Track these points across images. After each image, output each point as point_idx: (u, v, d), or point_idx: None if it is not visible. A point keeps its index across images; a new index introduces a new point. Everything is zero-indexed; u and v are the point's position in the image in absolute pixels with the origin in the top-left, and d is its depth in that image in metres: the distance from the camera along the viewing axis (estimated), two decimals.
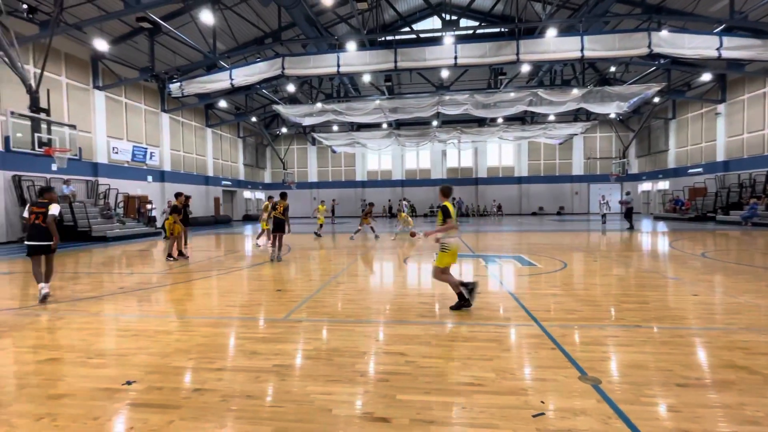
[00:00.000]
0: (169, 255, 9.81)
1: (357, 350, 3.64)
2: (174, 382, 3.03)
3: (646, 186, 33.65)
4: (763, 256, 9.24)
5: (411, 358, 3.43)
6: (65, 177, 16.96)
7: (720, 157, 24.43)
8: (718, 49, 14.89)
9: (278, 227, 9.29)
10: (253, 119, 29.47)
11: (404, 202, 23.11)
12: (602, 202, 19.32)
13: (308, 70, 16.78)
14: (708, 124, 25.65)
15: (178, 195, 10.52)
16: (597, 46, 15.18)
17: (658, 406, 2.57)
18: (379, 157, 37.84)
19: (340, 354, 3.55)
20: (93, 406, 2.66)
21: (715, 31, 15.76)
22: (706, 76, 22.31)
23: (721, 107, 24.23)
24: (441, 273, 4.95)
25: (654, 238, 14.08)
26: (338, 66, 16.36)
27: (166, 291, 6.47)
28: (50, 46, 13.01)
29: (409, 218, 16.38)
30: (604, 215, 19.22)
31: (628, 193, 17.59)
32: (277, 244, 9.48)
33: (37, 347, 3.85)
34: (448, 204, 4.86)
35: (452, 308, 4.89)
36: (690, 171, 27.20)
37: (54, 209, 5.60)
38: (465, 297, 4.86)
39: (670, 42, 14.93)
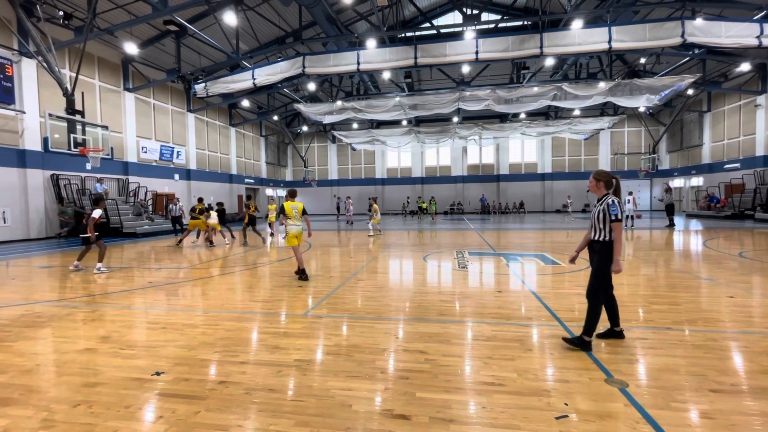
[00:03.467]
0: (210, 242, 12.58)
1: (377, 347, 3.66)
2: (200, 374, 3.14)
3: (678, 182, 32.20)
4: None
5: (431, 356, 3.42)
6: (98, 176, 17.75)
7: (759, 151, 23.06)
8: (758, 36, 14.02)
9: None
10: (275, 118, 29.97)
11: (342, 200, 23.15)
12: (629, 198, 16.10)
13: (328, 68, 16.88)
14: (746, 117, 24.26)
15: (200, 200, 13.18)
16: (626, 37, 14.57)
17: (690, 412, 2.47)
18: (399, 154, 37.71)
19: (361, 350, 3.57)
20: (125, 395, 2.79)
21: (755, 17, 14.86)
22: (745, 66, 21.04)
23: (761, 98, 22.83)
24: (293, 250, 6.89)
25: (687, 236, 13.47)
26: (358, 64, 16.38)
27: (192, 285, 6.68)
28: (84, 50, 13.62)
29: (376, 216, 15.38)
30: (629, 217, 16.24)
31: (667, 191, 16.21)
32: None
33: (74, 338, 4.06)
34: (285, 204, 6.79)
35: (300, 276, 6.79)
36: (726, 166, 25.81)
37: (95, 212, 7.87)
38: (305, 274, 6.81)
39: (705, 30, 14.17)
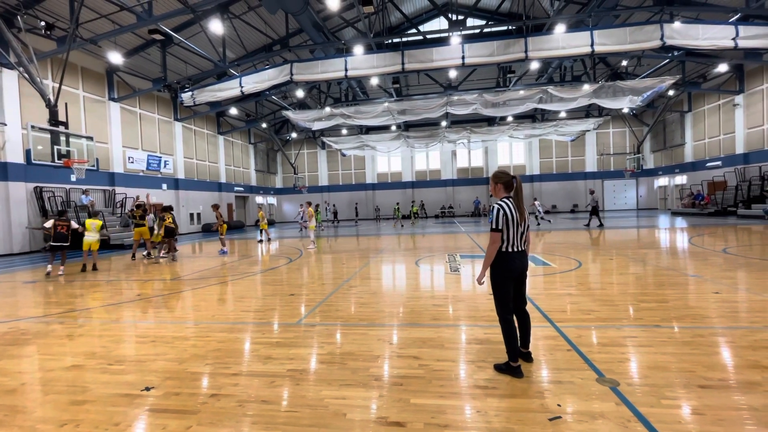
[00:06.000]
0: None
1: (370, 354, 3.64)
2: (191, 388, 3.08)
3: (662, 181, 32.88)
4: None
5: (424, 361, 3.42)
6: (84, 187, 17.43)
7: (739, 149, 23.74)
8: (734, 38, 14.49)
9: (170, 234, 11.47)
10: (264, 125, 29.83)
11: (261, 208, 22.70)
12: (537, 204, 21.20)
13: (316, 75, 16.91)
14: (726, 116, 24.96)
15: (139, 205, 12.98)
16: (607, 41, 14.93)
17: (680, 408, 2.51)
18: (389, 159, 37.85)
19: (354, 358, 3.56)
20: (114, 412, 2.73)
21: (730, 20, 15.35)
22: (723, 67, 21.69)
23: (739, 98, 23.55)
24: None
25: (672, 234, 13.74)
26: (346, 70, 16.44)
27: (181, 297, 6.58)
28: (67, 60, 13.42)
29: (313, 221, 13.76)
30: (539, 217, 21.11)
31: (592, 192, 18.00)
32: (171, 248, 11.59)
33: (60, 354, 3.96)
34: (87, 222, 9.70)
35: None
36: (708, 164, 26.48)
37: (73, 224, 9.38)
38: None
39: (683, 33, 14.59)
